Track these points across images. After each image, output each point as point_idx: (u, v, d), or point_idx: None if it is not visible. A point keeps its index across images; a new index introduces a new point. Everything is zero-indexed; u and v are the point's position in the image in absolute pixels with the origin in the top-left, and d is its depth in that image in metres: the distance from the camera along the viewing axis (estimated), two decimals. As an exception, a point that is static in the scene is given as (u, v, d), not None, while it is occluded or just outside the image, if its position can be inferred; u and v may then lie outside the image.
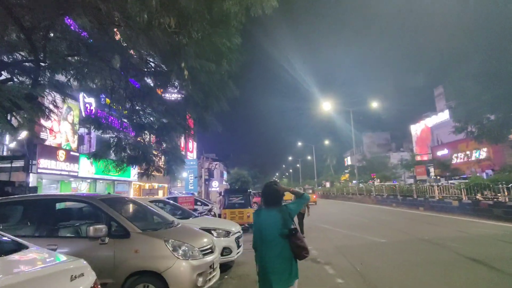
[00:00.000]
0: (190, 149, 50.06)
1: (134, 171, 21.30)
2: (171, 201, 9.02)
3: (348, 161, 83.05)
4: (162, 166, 10.03)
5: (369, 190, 26.62)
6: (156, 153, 9.64)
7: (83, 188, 18.62)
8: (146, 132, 8.88)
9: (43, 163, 13.29)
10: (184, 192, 34.87)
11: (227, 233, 6.56)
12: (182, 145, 46.78)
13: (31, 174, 13.77)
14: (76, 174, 15.56)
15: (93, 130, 9.46)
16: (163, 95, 8.77)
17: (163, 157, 9.99)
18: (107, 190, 21.07)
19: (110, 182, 20.23)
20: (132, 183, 21.64)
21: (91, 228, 3.91)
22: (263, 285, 2.80)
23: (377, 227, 12.37)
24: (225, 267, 6.38)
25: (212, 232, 6.39)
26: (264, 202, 3.02)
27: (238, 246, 6.73)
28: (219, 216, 13.27)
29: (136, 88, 8.27)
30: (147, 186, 25.21)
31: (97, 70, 7.47)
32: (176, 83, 7.96)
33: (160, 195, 27.62)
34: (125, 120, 8.80)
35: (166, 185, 29.96)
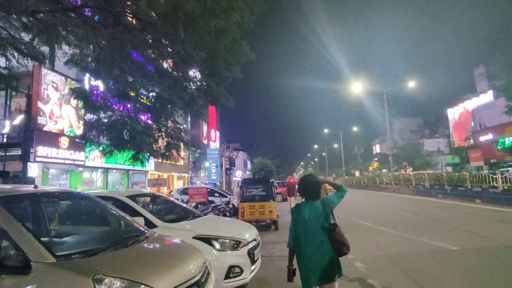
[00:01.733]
0: (213, 138, 48.68)
1: (149, 160, 19.79)
2: (167, 197, 6.92)
3: (377, 149, 78.57)
4: (161, 150, 7.99)
5: (407, 179, 23.47)
6: (154, 134, 7.61)
7: (97, 179, 17.28)
8: (131, 104, 6.81)
9: (42, 151, 11.79)
10: (206, 182, 33.51)
11: (237, 244, 4.39)
12: (205, 134, 45.48)
13: (32, 164, 12.41)
14: (82, 163, 14.05)
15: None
16: (153, 55, 6.61)
17: (160, 140, 7.94)
18: (122, 181, 19.72)
19: (124, 172, 18.76)
20: (148, 173, 20.10)
21: None
22: (304, 281, 2.63)
23: (434, 225, 9.74)
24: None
25: (213, 242, 4.24)
26: (304, 195, 2.85)
27: (253, 261, 4.54)
28: (237, 209, 11.25)
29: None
30: (165, 175, 23.71)
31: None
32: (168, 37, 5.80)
33: (181, 185, 26.13)
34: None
35: (186, 175, 28.46)
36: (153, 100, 7.00)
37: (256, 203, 10.20)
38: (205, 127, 45.65)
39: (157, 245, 3.01)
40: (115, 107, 7.06)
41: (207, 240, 4.21)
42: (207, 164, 38.43)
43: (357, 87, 26.49)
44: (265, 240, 8.70)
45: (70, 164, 13.47)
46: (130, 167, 17.52)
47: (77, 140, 8.40)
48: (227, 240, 4.35)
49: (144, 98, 7.53)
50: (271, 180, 10.91)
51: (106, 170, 16.80)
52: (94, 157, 14.66)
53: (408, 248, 6.95)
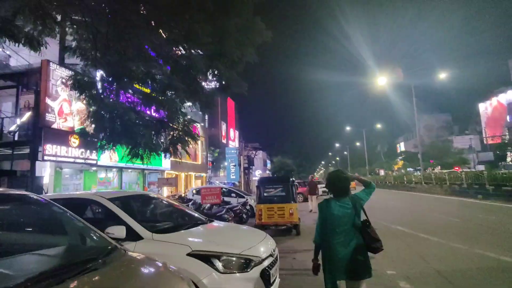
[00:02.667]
0: (232, 138, 48.00)
1: (165, 159, 19.10)
2: (167, 199, 5.84)
3: (401, 147, 75.12)
4: (164, 144, 7.01)
5: (440, 178, 21.44)
6: (155, 126, 6.63)
7: (113, 178, 16.75)
8: (127, 91, 5.85)
9: (51, 149, 11.22)
10: (225, 181, 32.74)
11: (246, 263, 3.27)
12: (224, 133, 44.84)
13: (44, 163, 11.91)
14: (94, 162, 13.45)
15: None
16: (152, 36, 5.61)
17: (164, 134, 6.96)
18: (139, 180, 19.15)
19: (140, 172, 18.14)
20: (165, 172, 19.43)
21: None
22: (331, 278, 2.54)
23: (485, 232, 8.20)
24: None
25: (214, 261, 3.15)
26: (333, 191, 2.76)
27: (269, 284, 3.41)
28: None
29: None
30: (183, 175, 23.05)
31: None
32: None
33: (199, 184, 25.40)
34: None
35: (204, 174, 27.72)
36: (152, 86, 6.01)
37: (275, 205, 9.05)
38: (224, 126, 45.03)
39: (116, 279, 1.93)
40: (113, 97, 6.16)
41: (206, 258, 3.13)
42: (226, 163, 37.79)
43: (382, 81, 24.66)
44: (285, 247, 7.54)
45: (82, 163, 12.90)
46: (145, 166, 16.85)
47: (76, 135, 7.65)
48: (233, 258, 3.24)
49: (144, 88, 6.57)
50: (291, 179, 9.73)
51: (120, 170, 16.21)
52: (109, 156, 14.07)
53: (463, 263, 5.57)
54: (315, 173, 77.77)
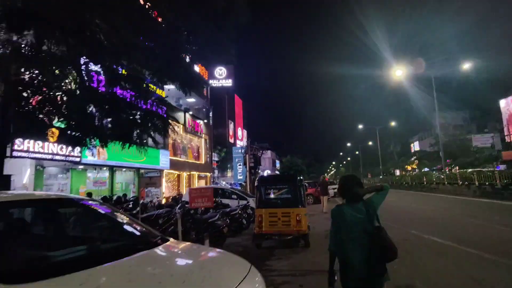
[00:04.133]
0: (240, 137, 46.36)
1: (163, 157, 17.51)
2: (101, 204, 3.77)
3: (416, 146, 71.96)
4: (125, 131, 5.24)
5: (467, 177, 19.04)
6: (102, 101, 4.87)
7: (107, 178, 15.17)
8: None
9: (22, 144, 9.70)
10: (232, 182, 31.11)
11: None
12: (231, 132, 43.18)
13: (23, 161, 10.45)
14: (78, 159, 11.88)
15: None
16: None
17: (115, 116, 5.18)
18: (135, 181, 17.59)
19: (135, 171, 16.48)
20: (163, 172, 17.79)
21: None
22: (345, 283, 2.42)
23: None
24: None
25: None
26: (345, 196, 2.58)
27: None
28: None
29: None
30: (184, 174, 21.41)
31: None
32: None
33: (202, 184, 23.73)
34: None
35: (208, 174, 26.05)
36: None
37: (279, 210, 7.20)
38: (231, 125, 43.39)
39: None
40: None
41: None
42: (233, 163, 36.23)
43: (399, 73, 22.41)
44: (291, 265, 5.74)
45: (62, 160, 11.34)
46: (140, 165, 15.25)
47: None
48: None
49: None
50: (299, 178, 7.86)
51: (111, 168, 14.63)
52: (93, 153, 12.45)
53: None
54: (325, 174, 75.43)
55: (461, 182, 19.52)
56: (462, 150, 42.55)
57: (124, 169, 15.65)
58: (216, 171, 34.39)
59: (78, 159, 11.82)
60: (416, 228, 8.69)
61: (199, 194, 7.59)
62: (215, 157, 33.77)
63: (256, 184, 7.61)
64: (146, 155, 16.59)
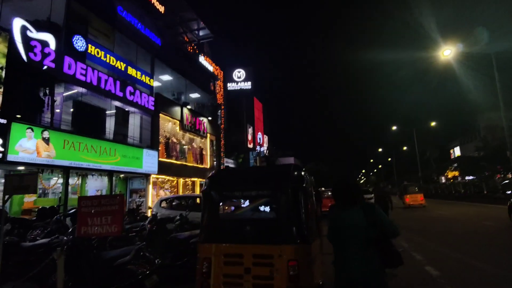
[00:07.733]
0: (260, 142, 42.47)
1: (149, 159, 13.99)
2: None
3: (456, 152, 63.77)
4: None
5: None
6: None
7: (52, 184, 11.22)
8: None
9: None
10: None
11: None
12: (250, 137, 39.37)
13: None
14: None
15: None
16: None
17: None
18: (119, 189, 14.14)
19: (107, 175, 12.60)
20: (150, 177, 14.24)
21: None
22: None
23: None
24: None
25: None
26: (338, 199, 2.45)
27: None
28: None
29: None
30: (181, 181, 17.77)
31: None
32: None
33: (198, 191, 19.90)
34: None
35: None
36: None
37: (247, 248, 3.16)
38: (250, 130, 39.63)
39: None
40: None
41: None
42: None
43: (446, 53, 17.47)
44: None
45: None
46: (111, 167, 11.66)
47: None
48: None
49: None
50: (300, 175, 3.66)
51: (66, 170, 10.67)
52: (34, 145, 8.93)
53: None
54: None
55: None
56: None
57: (94, 173, 12.07)
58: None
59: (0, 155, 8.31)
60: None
61: (97, 211, 3.83)
62: (231, 163, 30.13)
63: (203, 188, 3.56)
64: (121, 154, 12.58)
